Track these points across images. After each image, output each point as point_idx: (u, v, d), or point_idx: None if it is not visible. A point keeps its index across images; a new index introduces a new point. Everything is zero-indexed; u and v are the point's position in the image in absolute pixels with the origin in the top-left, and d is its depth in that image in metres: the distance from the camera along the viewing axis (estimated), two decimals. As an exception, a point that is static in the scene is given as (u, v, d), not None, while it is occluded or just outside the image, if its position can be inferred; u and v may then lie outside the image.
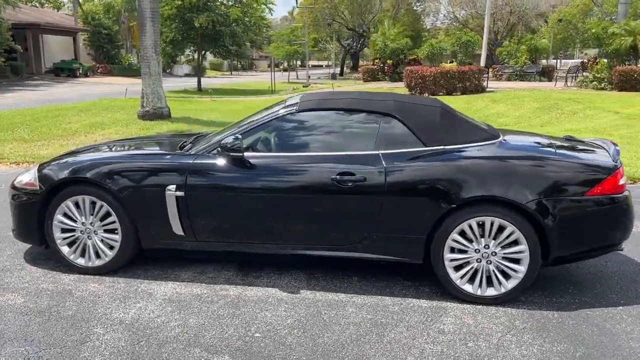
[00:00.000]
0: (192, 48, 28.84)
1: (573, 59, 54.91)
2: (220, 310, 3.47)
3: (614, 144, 3.95)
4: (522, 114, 15.59)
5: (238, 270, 4.13)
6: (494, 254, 3.53)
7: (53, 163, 4.15)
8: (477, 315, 3.44)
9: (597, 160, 3.65)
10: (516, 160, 3.60)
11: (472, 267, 3.57)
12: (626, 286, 3.88)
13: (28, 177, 4.15)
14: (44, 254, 4.37)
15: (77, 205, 3.96)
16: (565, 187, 3.49)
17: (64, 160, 4.16)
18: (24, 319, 3.34)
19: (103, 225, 3.96)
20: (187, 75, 44.36)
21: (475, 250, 3.54)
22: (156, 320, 3.33)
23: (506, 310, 3.51)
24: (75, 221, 3.99)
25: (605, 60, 20.68)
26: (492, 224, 3.49)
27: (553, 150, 3.75)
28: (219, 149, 3.78)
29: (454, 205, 3.48)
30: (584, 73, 22.68)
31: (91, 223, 3.97)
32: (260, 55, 72.36)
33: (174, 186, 3.78)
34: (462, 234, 3.54)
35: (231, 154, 3.68)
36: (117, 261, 4.00)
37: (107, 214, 3.93)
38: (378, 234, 3.65)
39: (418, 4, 48.09)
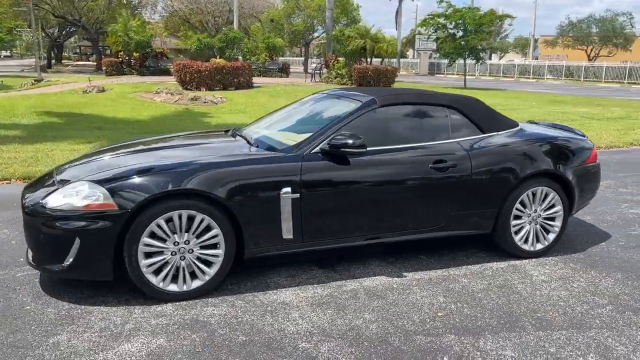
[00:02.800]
0: None
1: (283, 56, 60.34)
2: (377, 302, 3.56)
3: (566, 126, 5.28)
4: (303, 106, 17.08)
5: (319, 267, 4.13)
6: (539, 216, 4.44)
7: (126, 176, 3.42)
8: (544, 266, 4.31)
9: (583, 138, 4.89)
10: (551, 141, 4.57)
11: (526, 230, 4.42)
12: (586, 230, 5.26)
13: (78, 198, 3.32)
14: (69, 285, 3.58)
15: (167, 222, 3.41)
16: (577, 159, 4.61)
17: (143, 169, 3.47)
18: (213, 355, 2.87)
19: (200, 242, 3.50)
20: None
21: (528, 215, 4.40)
22: (349, 323, 3.27)
23: (552, 259, 4.46)
24: (164, 241, 3.43)
25: (343, 59, 23.86)
26: (541, 192, 4.39)
27: (560, 133, 4.86)
28: (328, 146, 3.75)
29: (521, 180, 4.26)
30: (326, 70, 25.63)
31: (186, 241, 3.47)
32: None
33: (289, 188, 3.62)
34: (521, 203, 4.35)
35: (355, 150, 3.70)
36: (217, 279, 3.60)
37: (207, 228, 3.49)
38: (461, 212, 4.19)
39: (133, -6, 46.12)
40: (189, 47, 26.32)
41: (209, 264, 3.56)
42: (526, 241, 4.43)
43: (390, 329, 3.21)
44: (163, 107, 16.20)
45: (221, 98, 17.50)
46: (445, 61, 54.73)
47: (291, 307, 3.47)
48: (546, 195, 4.41)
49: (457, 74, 51.52)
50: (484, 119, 4.43)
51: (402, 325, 3.27)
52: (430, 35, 30.68)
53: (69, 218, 3.30)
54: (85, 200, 3.32)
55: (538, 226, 4.46)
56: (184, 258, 3.49)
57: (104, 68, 26.61)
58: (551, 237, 4.51)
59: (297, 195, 3.64)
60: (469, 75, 48.59)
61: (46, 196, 3.45)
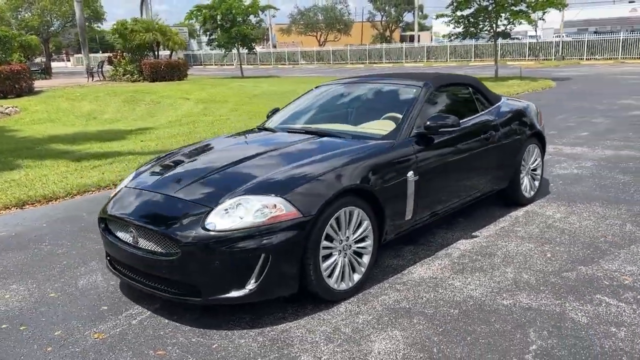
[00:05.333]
0: None
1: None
2: (496, 259, 4.03)
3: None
4: (116, 109, 15.79)
5: (405, 244, 4.38)
6: (529, 168, 5.42)
7: (295, 180, 3.23)
8: (545, 207, 5.28)
9: (532, 103, 6.02)
10: (531, 108, 5.54)
11: (525, 180, 5.35)
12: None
13: (250, 212, 3.05)
14: (206, 314, 3.29)
15: (336, 221, 3.36)
16: (540, 120, 5.70)
17: (307, 172, 3.31)
18: (469, 329, 3.03)
19: (356, 237, 3.51)
20: None
21: (525, 168, 5.34)
22: (505, 279, 3.67)
23: (541, 202, 5.48)
24: (332, 241, 3.36)
25: (129, 55, 22.35)
26: (533, 149, 5.36)
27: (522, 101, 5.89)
28: (424, 128, 4.02)
29: (527, 139, 5.16)
30: (110, 67, 23.58)
31: (347, 237, 3.45)
32: None
33: (412, 172, 3.83)
34: (523, 159, 5.25)
35: (452, 128, 4.05)
36: (369, 269, 3.64)
37: (360, 222, 3.52)
38: (495, 173, 4.89)
39: None
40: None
41: (360, 255, 3.58)
42: (526, 189, 5.36)
43: (539, 274, 3.75)
44: (-56, 125, 13.26)
45: (13, 108, 15.05)
46: (202, 52, 55.03)
47: (442, 280, 3.72)
48: (534, 151, 5.40)
49: (215, 64, 52.19)
50: (489, 93, 5.18)
51: (542, 269, 3.83)
52: (201, 26, 30.47)
53: (251, 236, 3.00)
54: (264, 213, 3.05)
55: (530, 176, 5.43)
56: (346, 255, 3.46)
57: None
58: (536, 184, 5.53)
59: (417, 177, 3.87)
60: (228, 64, 49.77)
61: (200, 220, 3.05)
